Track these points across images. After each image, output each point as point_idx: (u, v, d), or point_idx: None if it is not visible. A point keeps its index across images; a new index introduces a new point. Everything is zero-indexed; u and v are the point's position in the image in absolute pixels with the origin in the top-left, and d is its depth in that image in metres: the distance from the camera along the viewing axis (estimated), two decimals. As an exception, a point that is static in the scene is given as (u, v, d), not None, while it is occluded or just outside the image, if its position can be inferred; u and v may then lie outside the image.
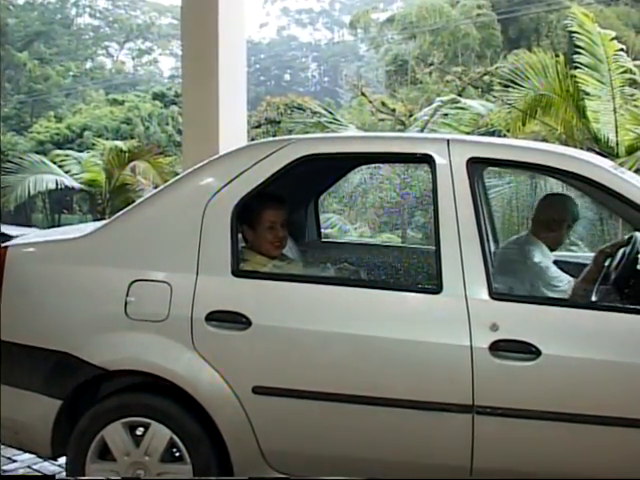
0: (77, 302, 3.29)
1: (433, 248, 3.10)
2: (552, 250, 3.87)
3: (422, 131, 11.97)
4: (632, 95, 9.61)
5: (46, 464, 4.20)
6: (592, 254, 3.81)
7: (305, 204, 4.43)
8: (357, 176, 11.66)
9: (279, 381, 3.05)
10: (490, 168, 4.83)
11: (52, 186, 16.49)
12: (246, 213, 3.31)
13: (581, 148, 7.93)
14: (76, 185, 16.81)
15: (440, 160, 3.10)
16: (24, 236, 3.77)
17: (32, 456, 4.09)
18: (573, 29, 9.72)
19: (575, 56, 9.57)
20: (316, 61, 53.84)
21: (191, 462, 3.12)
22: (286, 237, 3.57)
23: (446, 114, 12.38)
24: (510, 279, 3.44)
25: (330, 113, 13.17)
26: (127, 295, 3.17)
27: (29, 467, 4.24)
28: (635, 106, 9.49)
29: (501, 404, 2.87)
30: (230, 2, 5.80)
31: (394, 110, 22.21)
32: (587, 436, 2.86)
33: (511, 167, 3.84)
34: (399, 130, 18.09)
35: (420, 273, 3.60)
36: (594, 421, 2.81)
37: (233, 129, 5.84)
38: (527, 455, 2.90)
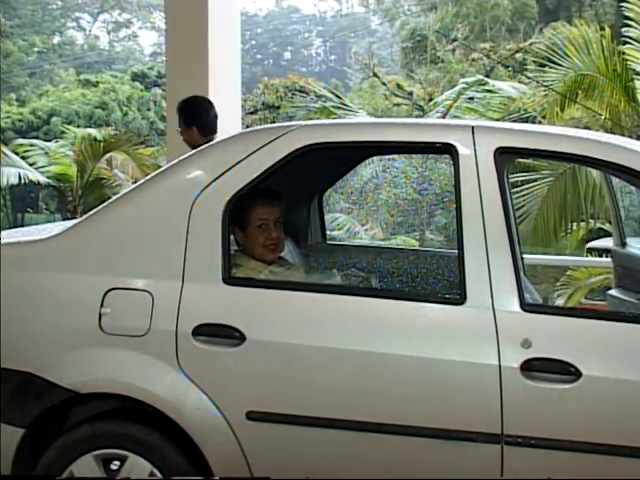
0: (43, 314, 3.30)
1: (456, 252, 3.11)
2: None
3: (444, 118, 11.98)
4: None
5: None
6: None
7: (308, 201, 4.46)
8: (368, 169, 11.69)
9: (277, 405, 3.06)
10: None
11: (14, 181, 16.53)
12: (235, 211, 3.32)
13: (630, 136, 7.92)
14: (42, 179, 16.86)
15: (464, 150, 3.12)
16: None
17: None
18: (622, -3, 9.71)
19: (624, 29, 9.54)
20: (321, 36, 53.87)
21: (175, 500, 3.13)
22: (281, 238, 3.58)
23: (472, 98, 12.40)
24: None
25: (337, 97, 13.19)
26: (102, 306, 3.19)
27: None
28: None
29: (534, 433, 2.87)
30: (221, -33, 5.83)
31: (411, 93, 22.23)
32: (636, 472, 2.85)
33: (546, 158, 3.85)
34: (417, 116, 18.10)
35: (441, 281, 3.62)
36: (643, 454, 2.81)
37: (225, 115, 5.85)
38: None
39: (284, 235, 3.68)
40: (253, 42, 50.98)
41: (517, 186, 8.82)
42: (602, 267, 7.51)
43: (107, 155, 16.12)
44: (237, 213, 3.38)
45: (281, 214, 3.56)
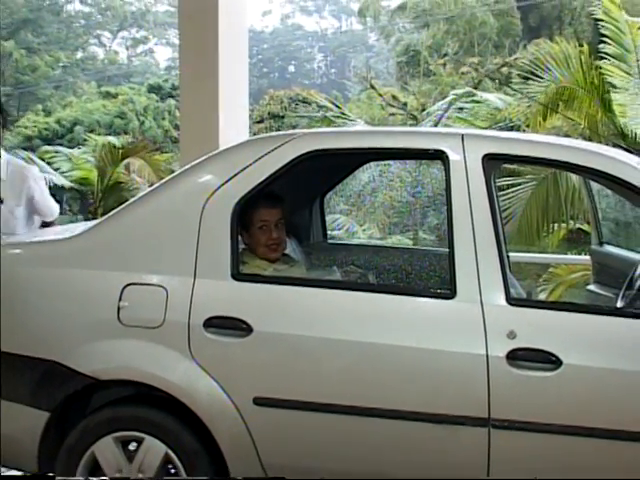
0: (66, 307, 3.30)
1: (446, 251, 3.10)
2: None
3: (435, 126, 11.97)
4: (661, 88, 9.59)
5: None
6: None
7: (310, 203, 4.44)
8: (365, 174, 11.67)
9: (282, 392, 3.05)
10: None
11: (40, 184, 16.50)
12: (241, 213, 3.31)
13: (606, 144, 7.91)
14: (66, 183, 16.86)
15: (454, 156, 3.11)
16: (10, 237, 3.78)
17: (17, 473, 4.08)
18: (598, 16, 9.71)
19: (600, 46, 9.55)
20: (322, 52, 53.83)
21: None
22: (282, 238, 3.55)
23: (461, 108, 12.41)
24: None
25: (337, 107, 13.20)
26: (120, 300, 3.18)
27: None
28: (665, 100, 9.47)
29: (519, 417, 2.86)
30: (231, -12, 5.81)
31: (405, 104, 22.24)
32: (611, 452, 2.85)
33: (530, 164, 3.84)
34: (411, 125, 18.08)
35: (432, 277, 3.61)
36: (618, 436, 2.80)
37: (234, 124, 5.85)
38: (546, 472, 2.89)
39: (289, 235, 3.66)
40: (260, 57, 50.92)
41: (503, 189, 8.81)
42: (581, 264, 7.49)
43: (125, 161, 16.11)
44: (242, 215, 3.37)
45: (282, 216, 3.54)
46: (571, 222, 9.81)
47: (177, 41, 6.89)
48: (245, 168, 3.23)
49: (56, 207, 4.74)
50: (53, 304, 3.32)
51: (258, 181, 3.21)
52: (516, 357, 2.88)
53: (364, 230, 13.87)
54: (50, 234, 3.81)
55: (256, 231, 3.48)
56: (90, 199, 17.02)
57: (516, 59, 21.09)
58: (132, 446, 3.21)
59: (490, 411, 2.88)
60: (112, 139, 18.57)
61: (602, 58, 9.45)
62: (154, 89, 31.82)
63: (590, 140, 8.69)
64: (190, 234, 3.19)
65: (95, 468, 3.21)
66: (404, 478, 3.00)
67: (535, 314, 3.01)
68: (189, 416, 3.12)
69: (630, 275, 3.41)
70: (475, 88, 16.41)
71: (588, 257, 4.98)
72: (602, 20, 9.56)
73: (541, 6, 28.27)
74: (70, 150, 18.88)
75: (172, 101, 29.21)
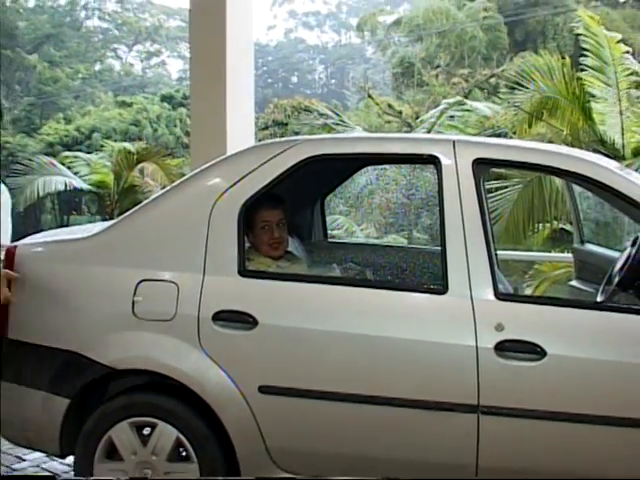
0: (85, 301, 3.29)
1: (439, 249, 3.10)
2: None
3: (428, 133, 11.96)
4: (638, 97, 9.60)
5: (55, 463, 4.21)
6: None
7: (311, 205, 4.43)
8: (363, 177, 11.65)
9: (285, 380, 3.05)
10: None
11: (61, 187, 16.60)
12: (246, 214, 3.29)
13: (587, 150, 7.90)
14: (85, 186, 16.90)
15: (446, 161, 3.10)
16: (33, 236, 3.78)
17: (41, 455, 4.11)
18: (579, 32, 9.73)
19: (581, 58, 9.57)
20: (323, 63, 53.84)
21: (198, 461, 3.12)
22: (284, 237, 3.52)
23: (452, 116, 12.41)
24: None
25: (337, 115, 13.21)
26: (135, 295, 3.18)
27: (38, 466, 4.25)
28: (641, 108, 9.48)
29: (506, 404, 2.87)
30: (238, 4, 5.80)
31: (401, 112, 22.26)
32: (591, 436, 2.85)
33: (517, 168, 3.83)
34: (405, 132, 18.08)
35: (426, 274, 3.60)
36: (598, 421, 2.81)
37: (241, 131, 5.84)
38: (532, 455, 2.89)
39: (291, 234, 3.65)
40: (265, 68, 50.92)
41: (491, 192, 8.81)
42: (564, 262, 7.48)
43: (140, 165, 16.15)
44: (246, 216, 3.36)
45: (283, 216, 3.51)
46: (555, 222, 9.82)
47: (188, 54, 6.89)
48: (251, 172, 3.22)
49: (9, 233, 4.52)
50: (73, 298, 3.31)
51: (263, 184, 3.21)
52: (503, 348, 2.87)
53: (362, 230, 13.87)
54: (69, 234, 3.79)
55: (259, 231, 3.47)
56: (107, 201, 17.04)
57: (503, 71, 21.11)
58: (146, 430, 3.21)
59: (479, 398, 2.87)
60: (127, 145, 18.61)
61: (583, 70, 9.46)
62: (166, 98, 31.81)
63: (572, 146, 8.69)
64: (200, 233, 3.19)
65: (112, 451, 3.21)
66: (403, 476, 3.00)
67: (521, 308, 3.00)
68: (199, 403, 3.12)
69: (609, 272, 3.41)
70: (465, 97, 16.42)
71: (570, 255, 4.98)
72: (583, 35, 9.58)
73: (526, 22, 28.27)
74: (88, 155, 18.90)
75: (183, 110, 29.20)
